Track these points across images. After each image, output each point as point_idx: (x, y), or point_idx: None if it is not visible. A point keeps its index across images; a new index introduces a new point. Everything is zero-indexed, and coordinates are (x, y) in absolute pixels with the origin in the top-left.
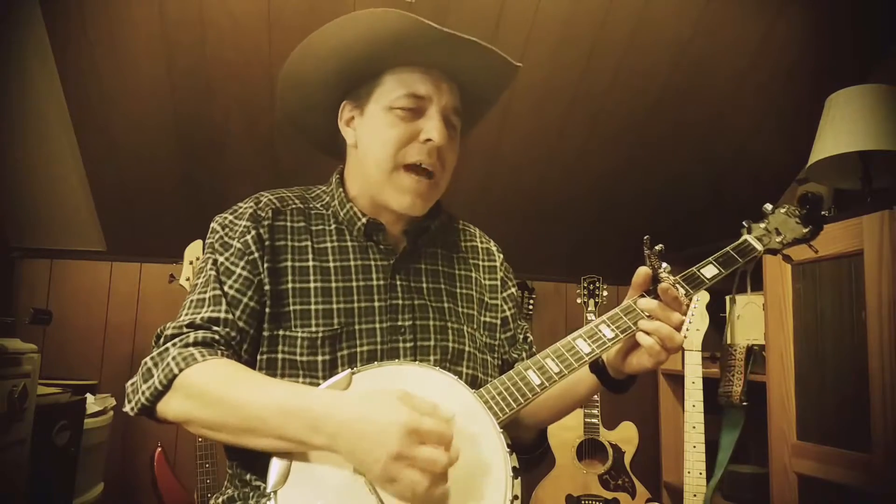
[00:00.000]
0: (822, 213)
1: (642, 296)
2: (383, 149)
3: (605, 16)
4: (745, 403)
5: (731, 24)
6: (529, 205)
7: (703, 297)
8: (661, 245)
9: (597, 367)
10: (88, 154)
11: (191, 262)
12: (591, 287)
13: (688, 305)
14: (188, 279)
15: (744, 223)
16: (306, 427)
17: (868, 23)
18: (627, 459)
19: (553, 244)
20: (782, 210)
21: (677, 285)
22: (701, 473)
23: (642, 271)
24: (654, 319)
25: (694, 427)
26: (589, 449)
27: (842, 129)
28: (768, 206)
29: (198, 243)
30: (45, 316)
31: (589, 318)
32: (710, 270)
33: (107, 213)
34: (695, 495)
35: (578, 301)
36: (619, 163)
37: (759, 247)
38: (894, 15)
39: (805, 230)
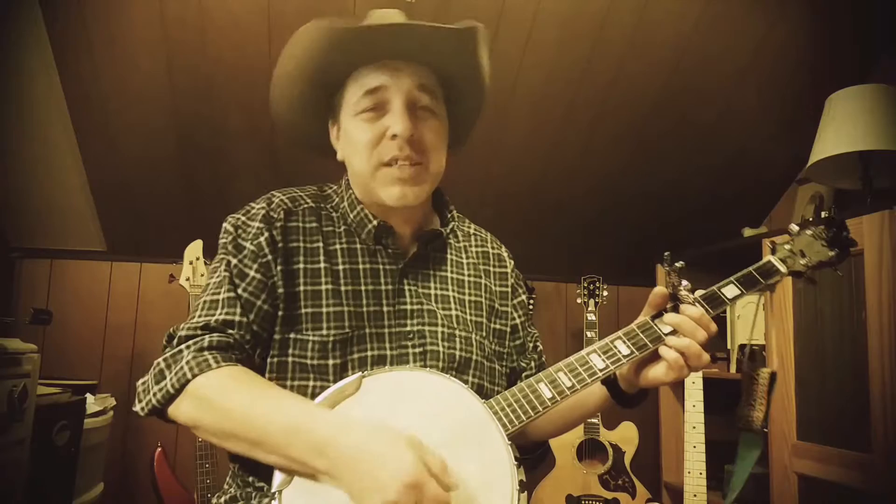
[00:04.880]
0: (850, 236)
1: (660, 313)
2: (359, 156)
3: (605, 16)
4: (765, 430)
5: (731, 24)
6: (529, 205)
7: None
8: (682, 262)
9: (608, 379)
10: (88, 154)
11: (191, 263)
12: (591, 287)
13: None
14: (188, 279)
15: (769, 243)
16: (310, 448)
17: (868, 23)
18: (627, 459)
19: (553, 244)
20: (808, 231)
21: (699, 305)
22: (701, 474)
23: (659, 291)
24: (682, 336)
25: (694, 427)
26: (589, 449)
27: (842, 129)
28: (794, 227)
29: (198, 243)
30: (45, 316)
31: (589, 318)
32: (731, 290)
33: (107, 213)
34: (695, 495)
35: (578, 301)
36: (619, 163)
37: (783, 269)
38: (894, 15)
39: (831, 253)
